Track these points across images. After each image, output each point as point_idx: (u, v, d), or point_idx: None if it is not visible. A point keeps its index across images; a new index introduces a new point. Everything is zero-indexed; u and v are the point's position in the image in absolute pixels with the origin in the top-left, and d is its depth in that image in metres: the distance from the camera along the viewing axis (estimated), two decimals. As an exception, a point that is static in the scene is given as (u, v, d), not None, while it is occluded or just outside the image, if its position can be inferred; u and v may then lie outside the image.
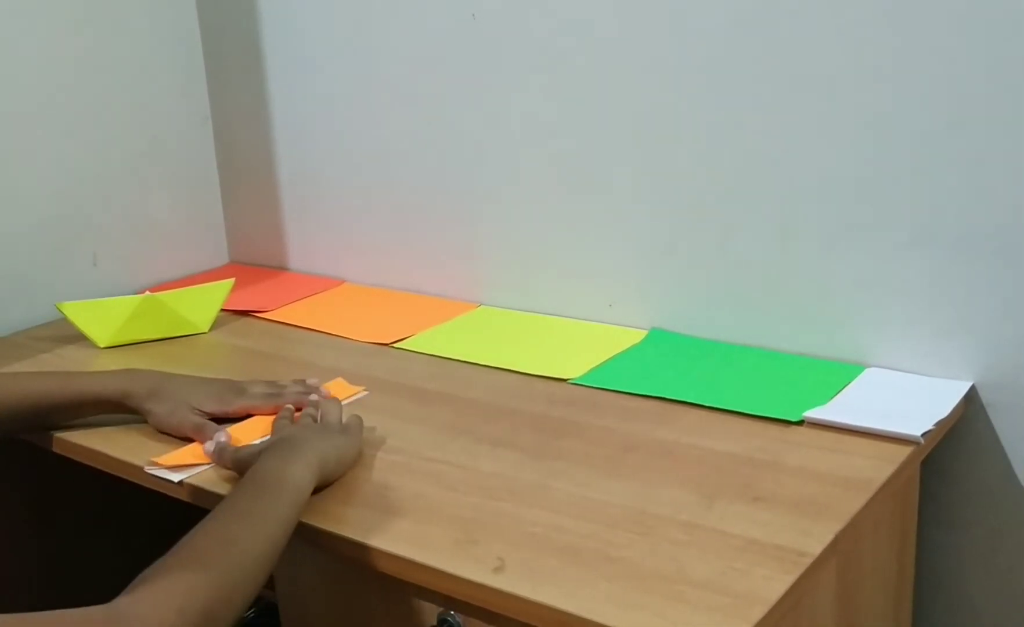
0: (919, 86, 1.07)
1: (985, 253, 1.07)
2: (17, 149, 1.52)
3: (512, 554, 0.84)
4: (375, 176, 1.58)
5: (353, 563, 0.89)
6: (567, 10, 1.30)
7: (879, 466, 0.95)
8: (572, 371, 1.22)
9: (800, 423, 1.05)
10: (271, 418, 1.09)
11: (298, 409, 1.10)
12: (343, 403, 1.12)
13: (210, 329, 1.48)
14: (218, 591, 0.76)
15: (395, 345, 1.36)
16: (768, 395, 1.11)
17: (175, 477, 1.01)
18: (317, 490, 0.93)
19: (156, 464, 1.03)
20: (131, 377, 1.13)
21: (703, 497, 0.91)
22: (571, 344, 1.32)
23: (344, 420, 1.06)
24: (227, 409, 1.11)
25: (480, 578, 0.81)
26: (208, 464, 1.02)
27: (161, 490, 1.03)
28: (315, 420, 1.05)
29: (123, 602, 0.72)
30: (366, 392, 1.20)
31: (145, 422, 1.12)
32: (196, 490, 1.00)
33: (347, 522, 0.91)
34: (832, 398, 1.09)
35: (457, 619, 0.84)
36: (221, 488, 0.98)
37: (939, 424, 1.03)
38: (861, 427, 1.01)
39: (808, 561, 0.80)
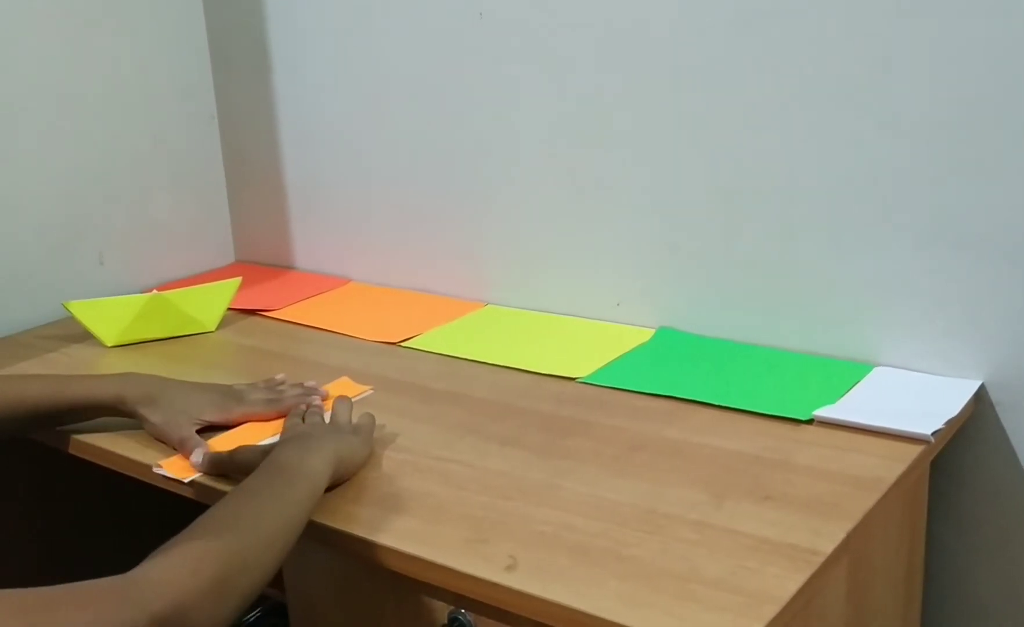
0: (928, 86, 1.07)
1: (994, 252, 1.07)
2: (24, 149, 1.52)
3: (522, 553, 0.83)
4: (381, 175, 1.58)
5: (363, 562, 0.89)
6: (573, 10, 1.30)
7: (889, 465, 0.95)
8: (580, 370, 1.21)
9: (810, 422, 1.05)
10: (270, 424, 1.09)
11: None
12: (352, 403, 1.12)
13: (217, 328, 1.48)
14: (232, 556, 0.77)
15: (402, 344, 1.36)
16: (777, 394, 1.11)
17: (185, 478, 1.01)
18: (329, 488, 0.93)
19: (163, 468, 1.03)
20: (127, 382, 1.11)
21: (713, 496, 0.91)
22: (578, 343, 1.32)
23: (355, 420, 1.06)
24: (228, 417, 1.10)
25: (492, 576, 0.81)
26: None
27: (171, 489, 1.03)
28: (324, 421, 1.05)
29: (137, 571, 0.73)
30: (372, 391, 1.20)
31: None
32: (204, 489, 1.00)
33: (357, 520, 0.91)
34: (841, 397, 1.08)
35: (468, 617, 0.84)
36: (231, 487, 0.98)
37: (949, 423, 1.02)
38: (871, 426, 1.01)
39: (820, 560, 0.80)
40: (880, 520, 0.94)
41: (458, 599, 0.84)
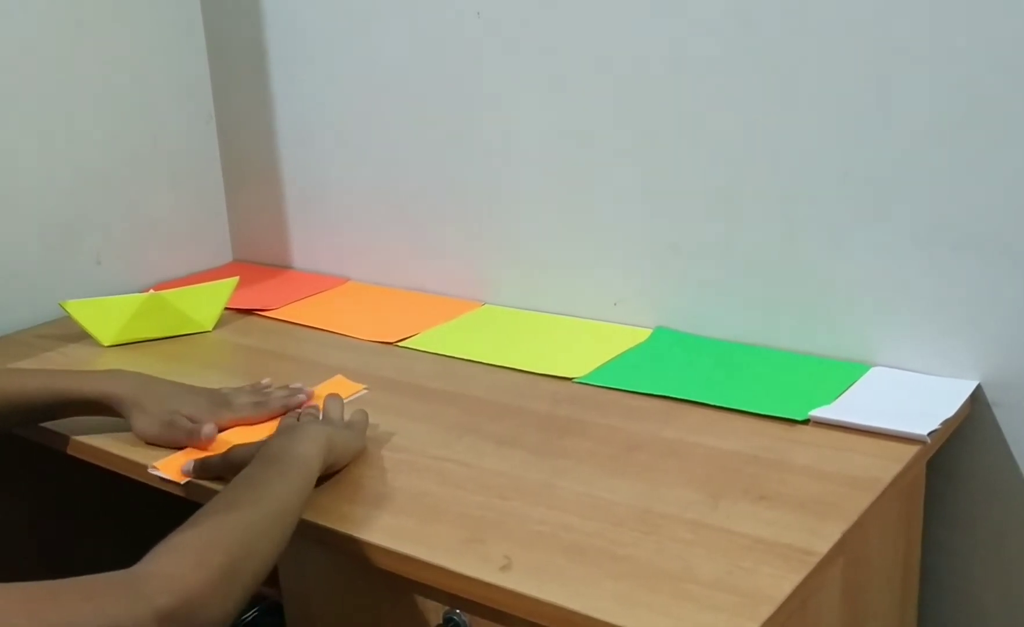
0: (928, 86, 1.07)
1: (991, 252, 1.07)
2: (21, 148, 1.51)
3: (518, 553, 0.83)
4: (379, 174, 1.58)
5: (358, 561, 0.89)
6: (572, 9, 1.30)
7: (885, 465, 0.95)
8: (577, 370, 1.21)
9: (806, 422, 1.05)
10: (257, 427, 1.09)
11: (286, 413, 1.10)
12: (344, 401, 1.12)
13: (214, 327, 1.47)
14: (234, 545, 0.77)
15: (399, 344, 1.36)
16: (773, 394, 1.11)
17: (181, 480, 1.01)
18: (323, 478, 0.93)
19: (157, 469, 1.03)
20: (113, 380, 1.10)
21: (709, 496, 0.91)
22: (575, 343, 1.32)
23: (348, 417, 1.06)
24: (218, 423, 1.09)
25: (487, 577, 0.81)
26: None
27: (167, 489, 1.03)
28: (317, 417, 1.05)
29: (141, 566, 0.73)
30: (367, 390, 1.20)
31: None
32: (199, 489, 0.99)
33: (352, 520, 0.91)
34: (838, 397, 1.08)
35: (463, 618, 0.84)
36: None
37: (945, 423, 1.02)
38: (867, 426, 1.01)
39: (815, 560, 0.80)
40: (876, 520, 0.94)
41: (453, 599, 0.84)
